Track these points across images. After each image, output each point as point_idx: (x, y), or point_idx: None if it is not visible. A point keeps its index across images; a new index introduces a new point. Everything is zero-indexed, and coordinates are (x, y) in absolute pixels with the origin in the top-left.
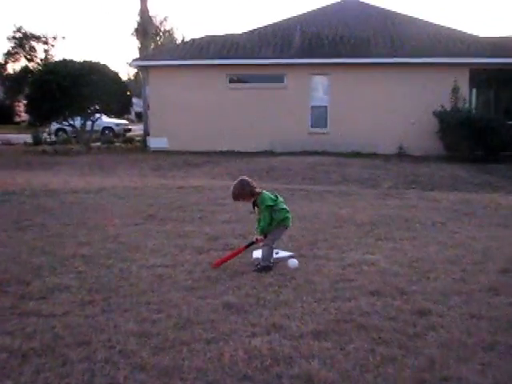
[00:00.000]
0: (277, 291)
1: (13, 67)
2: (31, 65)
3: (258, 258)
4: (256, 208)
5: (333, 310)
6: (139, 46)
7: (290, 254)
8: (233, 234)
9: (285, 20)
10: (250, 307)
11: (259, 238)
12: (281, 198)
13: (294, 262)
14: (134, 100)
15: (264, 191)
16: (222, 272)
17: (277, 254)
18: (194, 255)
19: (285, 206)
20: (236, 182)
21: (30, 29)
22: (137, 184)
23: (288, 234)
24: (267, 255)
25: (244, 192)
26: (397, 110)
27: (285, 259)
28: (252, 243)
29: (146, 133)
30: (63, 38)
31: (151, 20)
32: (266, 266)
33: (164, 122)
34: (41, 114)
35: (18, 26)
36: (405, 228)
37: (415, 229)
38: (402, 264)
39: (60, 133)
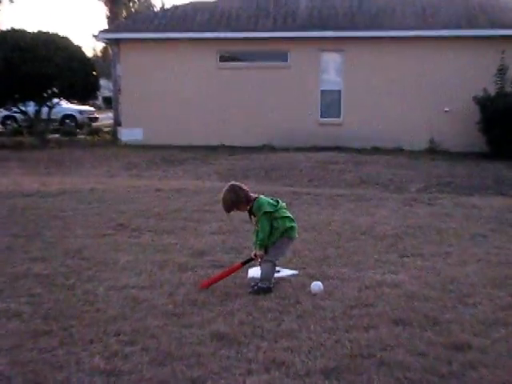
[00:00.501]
0: (278, 319)
1: None
2: None
3: (254, 278)
4: (253, 217)
5: (347, 343)
6: (108, 14)
7: (294, 272)
8: (223, 247)
9: None
10: (245, 338)
11: (259, 253)
12: (283, 204)
13: (318, 286)
14: (102, 82)
15: (261, 196)
16: (211, 295)
17: (278, 272)
18: (176, 274)
19: (288, 214)
20: (225, 189)
21: None
22: (105, 186)
23: (291, 247)
24: (267, 274)
25: (238, 199)
26: (427, 96)
27: (288, 278)
28: (250, 260)
29: (117, 123)
30: (11, 1)
31: None
32: (266, 288)
33: (139, 109)
34: None
35: None
36: (437, 242)
37: (450, 243)
38: (433, 286)
39: (8, 122)
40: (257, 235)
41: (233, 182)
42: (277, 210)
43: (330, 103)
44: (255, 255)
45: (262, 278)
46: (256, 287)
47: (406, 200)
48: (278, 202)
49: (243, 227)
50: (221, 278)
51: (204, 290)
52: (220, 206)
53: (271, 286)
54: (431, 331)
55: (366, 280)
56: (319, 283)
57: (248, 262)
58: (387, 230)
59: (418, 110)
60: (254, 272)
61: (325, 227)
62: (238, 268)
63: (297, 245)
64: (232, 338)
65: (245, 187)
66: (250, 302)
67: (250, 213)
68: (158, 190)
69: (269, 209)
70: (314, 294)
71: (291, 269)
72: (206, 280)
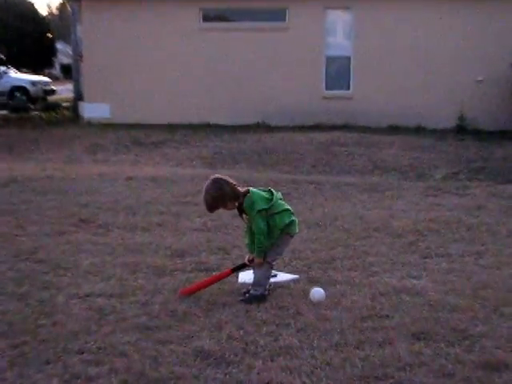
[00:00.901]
0: (275, 333)
1: None
2: None
3: (246, 283)
4: (244, 215)
5: (358, 361)
6: None
7: (293, 276)
8: (209, 247)
9: None
10: (235, 356)
11: (258, 260)
12: (278, 194)
13: (319, 293)
14: (59, 46)
15: (251, 189)
16: (193, 304)
17: (274, 276)
18: (151, 279)
19: (286, 206)
20: (206, 184)
21: None
22: (64, 173)
23: (291, 247)
24: (262, 278)
25: (223, 196)
26: (456, 62)
27: (287, 283)
28: (242, 266)
29: (78, 96)
30: None
31: None
32: (259, 295)
33: (105, 80)
34: None
35: None
36: (467, 240)
37: (482, 241)
38: (462, 293)
39: None
40: (250, 236)
41: (216, 176)
42: (272, 205)
43: (337, 72)
44: (250, 261)
45: (256, 284)
46: (248, 295)
47: (429, 189)
48: (271, 193)
49: (232, 222)
50: (205, 285)
51: (184, 298)
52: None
53: (266, 293)
54: (459, 347)
55: (380, 286)
56: (321, 290)
57: (240, 269)
58: (406, 226)
59: (444, 80)
60: (246, 276)
61: (331, 223)
62: (226, 275)
63: (297, 244)
64: (219, 356)
65: (231, 180)
66: (240, 312)
67: (240, 210)
68: (129, 178)
69: (263, 205)
70: (316, 303)
71: (290, 272)
72: (186, 286)
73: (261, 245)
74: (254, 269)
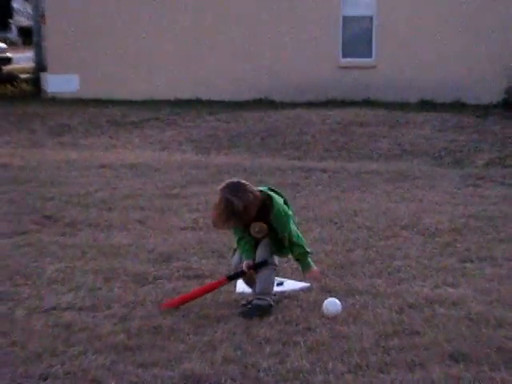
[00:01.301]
0: (281, 353)
1: None
2: None
3: (245, 293)
4: (256, 226)
5: None
6: None
7: (304, 285)
8: (200, 249)
9: None
10: (232, 382)
11: (315, 270)
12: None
13: (334, 305)
14: (16, 5)
15: (271, 194)
16: (181, 318)
17: (280, 284)
18: (131, 289)
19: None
20: (222, 192)
21: None
22: (24, 160)
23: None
24: (269, 284)
25: (246, 209)
26: (505, 24)
27: (295, 293)
28: (240, 274)
29: (40, 66)
30: None
31: None
32: (265, 306)
33: (73, 46)
34: None
35: None
36: None
37: None
38: (510, 305)
39: None
40: (245, 246)
41: (231, 180)
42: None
43: (357, 36)
44: (250, 267)
45: (262, 291)
46: (251, 305)
47: (469, 178)
48: (278, 193)
49: None
50: (196, 295)
51: (170, 311)
52: (194, 188)
53: (272, 302)
54: (506, 371)
55: (409, 296)
56: (336, 301)
57: (237, 277)
58: (441, 223)
59: (490, 46)
60: (245, 286)
61: (349, 219)
62: (221, 284)
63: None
64: (213, 381)
65: (249, 185)
66: (238, 328)
67: (253, 220)
68: (103, 165)
69: (289, 211)
70: (331, 317)
71: (300, 280)
72: (174, 298)
73: (304, 251)
74: (258, 273)
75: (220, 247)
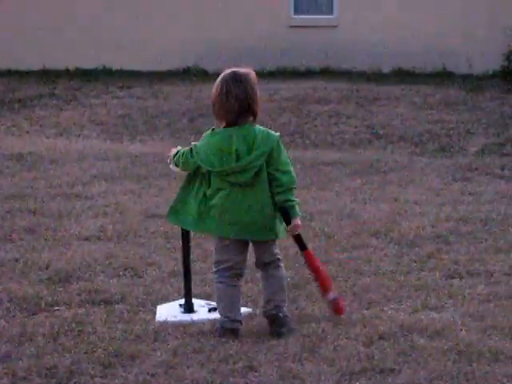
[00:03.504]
0: None
1: None
2: None
3: (167, 322)
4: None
5: None
6: None
7: (245, 309)
8: (109, 265)
9: None
10: None
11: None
12: None
13: None
14: None
15: None
16: (84, 355)
17: (213, 310)
18: (16, 319)
19: None
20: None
21: None
22: None
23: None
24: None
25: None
26: None
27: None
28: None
29: None
30: None
31: None
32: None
33: None
34: None
35: None
36: None
37: None
38: (509, 333)
39: None
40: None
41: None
42: None
43: None
44: (297, 225)
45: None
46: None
47: (458, 170)
48: None
49: (145, 225)
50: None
51: (67, 345)
52: (100, 186)
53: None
54: None
55: (380, 323)
56: None
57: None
58: (421, 229)
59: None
60: (166, 311)
61: (303, 224)
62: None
63: (248, 256)
64: None
65: None
66: (159, 367)
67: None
68: None
69: None
70: None
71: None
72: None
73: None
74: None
75: (134, 262)
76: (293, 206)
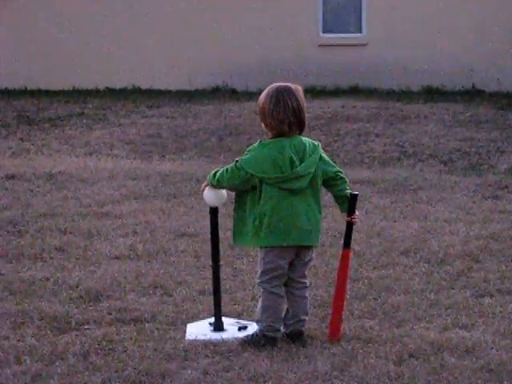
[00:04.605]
0: None
1: None
2: None
3: (197, 340)
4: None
5: None
6: None
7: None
8: (138, 284)
9: None
10: None
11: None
12: None
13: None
14: None
15: None
16: (113, 374)
17: (243, 328)
18: (47, 337)
19: None
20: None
21: None
22: None
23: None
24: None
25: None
26: None
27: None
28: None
29: None
30: None
31: None
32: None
33: None
34: None
35: None
36: None
37: None
38: None
39: None
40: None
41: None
42: None
43: (343, 5)
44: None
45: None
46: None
47: (488, 188)
48: None
49: (175, 244)
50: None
51: (99, 364)
52: (132, 204)
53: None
54: None
55: (410, 341)
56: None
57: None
58: (452, 247)
59: (510, 16)
60: (196, 329)
61: (333, 242)
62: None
63: None
64: None
65: None
66: None
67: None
68: (11, 176)
69: None
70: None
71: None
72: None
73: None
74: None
75: (164, 281)
76: None
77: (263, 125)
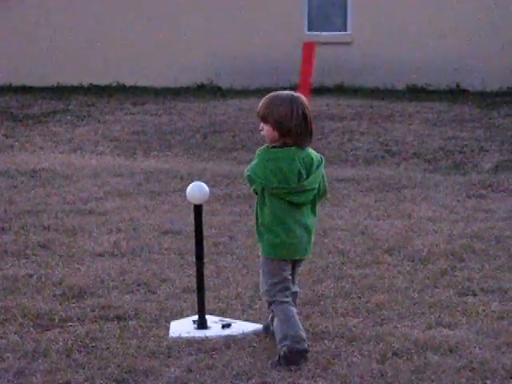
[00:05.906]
0: None
1: None
2: None
3: (181, 337)
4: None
5: None
6: None
7: (257, 326)
8: (122, 282)
9: None
10: None
11: None
12: None
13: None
14: None
15: None
16: (96, 371)
17: (226, 326)
18: (30, 334)
19: None
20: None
21: None
22: None
23: (254, 280)
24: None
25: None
26: None
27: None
28: None
29: None
30: None
31: None
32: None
33: None
34: None
35: None
36: None
37: None
38: None
39: None
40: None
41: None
42: None
43: (327, 4)
44: None
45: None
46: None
47: (471, 186)
48: None
49: (159, 241)
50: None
51: (81, 361)
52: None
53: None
54: None
55: (394, 340)
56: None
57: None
58: (435, 246)
59: (495, 16)
60: (181, 329)
61: (317, 240)
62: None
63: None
64: None
65: None
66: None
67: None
68: None
69: None
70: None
71: (252, 320)
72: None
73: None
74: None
75: (148, 278)
76: None
77: (277, 133)
